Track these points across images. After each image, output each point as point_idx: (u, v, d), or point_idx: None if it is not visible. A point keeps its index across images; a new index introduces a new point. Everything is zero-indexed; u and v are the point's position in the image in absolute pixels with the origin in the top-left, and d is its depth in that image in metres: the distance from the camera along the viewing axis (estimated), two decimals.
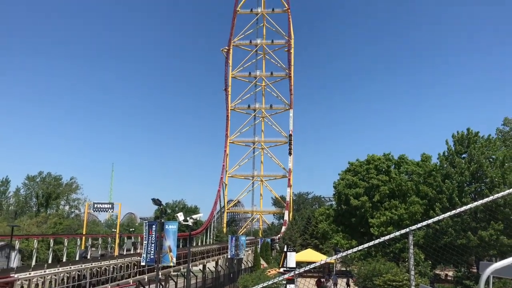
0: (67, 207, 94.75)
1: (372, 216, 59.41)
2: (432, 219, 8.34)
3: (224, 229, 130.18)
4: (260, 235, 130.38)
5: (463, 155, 51.44)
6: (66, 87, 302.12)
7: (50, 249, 49.36)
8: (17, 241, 45.53)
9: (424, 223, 8.27)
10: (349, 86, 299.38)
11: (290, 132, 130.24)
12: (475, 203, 9.38)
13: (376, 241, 7.95)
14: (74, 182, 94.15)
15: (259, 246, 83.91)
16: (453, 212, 8.53)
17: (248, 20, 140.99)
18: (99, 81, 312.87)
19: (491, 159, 49.72)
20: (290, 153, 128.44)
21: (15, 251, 45.56)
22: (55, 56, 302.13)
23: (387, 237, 7.63)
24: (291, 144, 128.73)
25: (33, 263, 43.76)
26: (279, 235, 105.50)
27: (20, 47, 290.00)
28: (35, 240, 49.02)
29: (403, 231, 7.66)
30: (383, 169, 63.01)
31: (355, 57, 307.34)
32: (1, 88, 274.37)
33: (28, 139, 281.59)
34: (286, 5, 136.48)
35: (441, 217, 8.65)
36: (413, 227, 7.64)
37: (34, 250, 47.74)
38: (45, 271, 33.19)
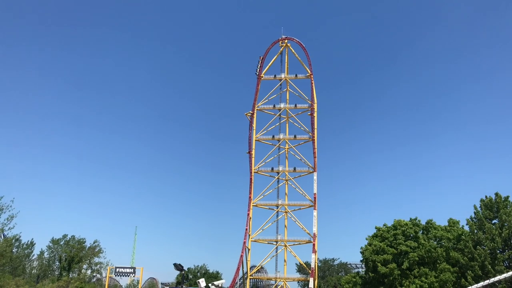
0: (89, 271, 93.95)
1: (401, 284, 57.08)
2: None
3: None
4: None
5: (493, 221, 49.83)
6: (91, 152, 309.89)
7: None
8: None
9: None
10: (373, 149, 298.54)
11: (314, 196, 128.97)
12: (511, 273, 9.00)
13: None
14: (97, 245, 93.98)
15: None
16: (486, 282, 8.19)
17: (271, 85, 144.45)
18: (122, 146, 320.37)
19: None
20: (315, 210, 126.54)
21: None
22: (85, 123, 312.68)
23: None
24: (315, 207, 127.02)
25: None
26: None
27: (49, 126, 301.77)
28: None
29: None
30: (411, 235, 61.30)
31: (378, 120, 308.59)
32: (27, 154, 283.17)
33: (53, 202, 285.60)
34: (309, 71, 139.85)
35: (474, 287, 8.30)
36: None
37: None
38: None
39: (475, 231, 50.38)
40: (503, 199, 49.89)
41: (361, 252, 66.00)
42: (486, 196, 51.41)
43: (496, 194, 50.36)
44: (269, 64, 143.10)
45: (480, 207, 51.38)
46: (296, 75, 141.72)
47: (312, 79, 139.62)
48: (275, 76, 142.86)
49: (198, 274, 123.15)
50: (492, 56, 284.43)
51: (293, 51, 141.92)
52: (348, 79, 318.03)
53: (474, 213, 51.62)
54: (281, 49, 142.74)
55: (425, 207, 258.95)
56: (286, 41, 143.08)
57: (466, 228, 56.06)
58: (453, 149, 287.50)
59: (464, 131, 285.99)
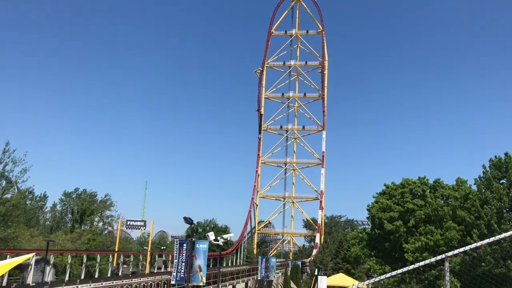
0: (100, 224, 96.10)
1: (407, 241, 57.84)
2: (469, 246, 8.07)
3: (255, 250, 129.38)
4: (291, 258, 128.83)
5: (502, 180, 49.71)
6: (101, 109, 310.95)
7: (83, 264, 50.24)
8: (52, 255, 46.52)
9: (461, 249, 8.00)
10: (384, 108, 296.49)
11: (323, 154, 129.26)
12: None
13: (411, 267, 7.72)
14: (108, 199, 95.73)
15: (290, 269, 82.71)
16: (492, 239, 8.23)
17: (282, 41, 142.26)
18: (134, 104, 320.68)
19: None
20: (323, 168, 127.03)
21: (50, 266, 46.50)
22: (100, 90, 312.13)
23: (422, 263, 7.42)
24: (323, 165, 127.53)
25: (67, 278, 44.61)
26: (310, 258, 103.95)
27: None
28: (69, 256, 50.00)
29: (439, 257, 7.43)
30: (419, 193, 61.59)
31: (390, 78, 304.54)
32: (41, 115, 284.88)
33: (67, 156, 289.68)
34: (321, 27, 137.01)
35: (478, 243, 8.36)
36: (450, 254, 7.41)
37: (68, 265, 48.68)
38: (77, 287, 33.69)
39: (483, 191, 50.37)
40: None
41: (367, 210, 66.54)
42: (495, 156, 51.09)
43: (506, 154, 49.97)
44: (280, 20, 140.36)
45: (489, 167, 51.12)
46: (307, 31, 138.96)
47: (324, 35, 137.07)
48: (285, 32, 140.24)
49: (208, 228, 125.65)
50: None
51: (304, 6, 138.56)
52: (361, 37, 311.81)
53: (483, 172, 51.39)
54: (292, 3, 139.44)
55: (433, 166, 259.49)
56: None
57: (474, 187, 56.09)
58: (463, 110, 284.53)
59: (473, 94, 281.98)
